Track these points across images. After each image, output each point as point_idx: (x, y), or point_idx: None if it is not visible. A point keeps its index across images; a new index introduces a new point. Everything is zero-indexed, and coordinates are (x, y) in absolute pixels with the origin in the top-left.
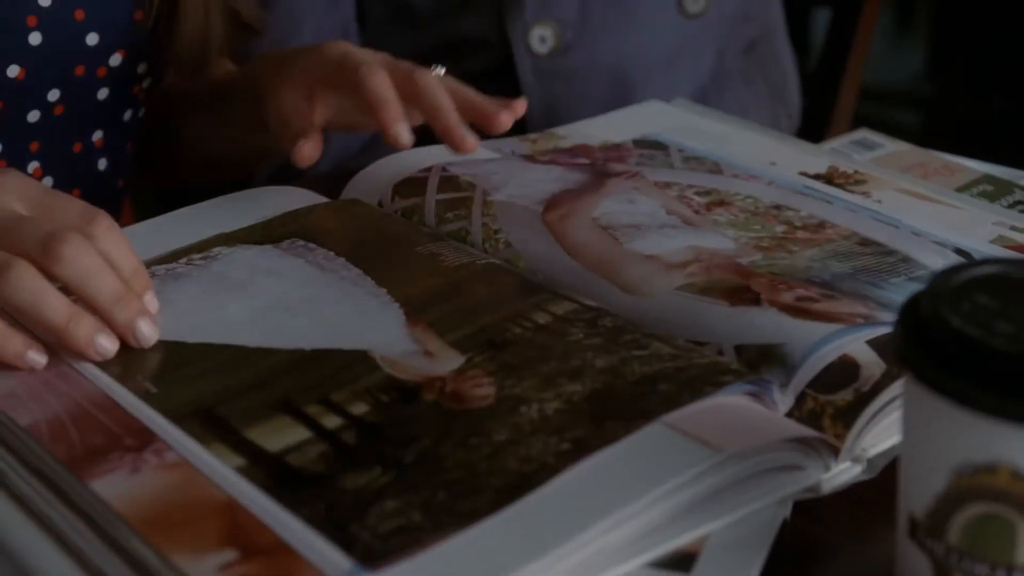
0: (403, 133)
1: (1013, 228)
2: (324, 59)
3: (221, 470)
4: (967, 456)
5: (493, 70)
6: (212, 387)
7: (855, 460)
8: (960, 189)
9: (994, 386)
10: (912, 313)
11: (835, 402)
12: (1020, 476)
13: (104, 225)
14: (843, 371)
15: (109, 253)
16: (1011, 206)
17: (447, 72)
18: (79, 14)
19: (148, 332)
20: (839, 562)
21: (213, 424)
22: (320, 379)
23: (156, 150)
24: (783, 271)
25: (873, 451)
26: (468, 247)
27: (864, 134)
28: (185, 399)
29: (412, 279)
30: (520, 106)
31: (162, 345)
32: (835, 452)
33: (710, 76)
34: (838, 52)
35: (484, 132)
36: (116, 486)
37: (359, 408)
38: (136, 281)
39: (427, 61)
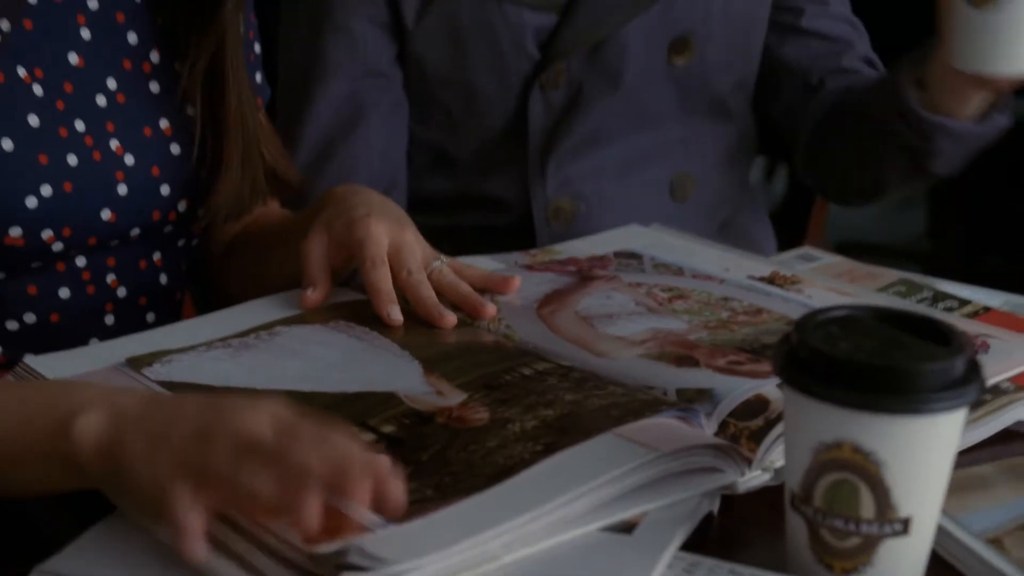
0: (394, 314)
1: None
2: (351, 234)
3: None
4: (822, 437)
5: (513, 226)
6: None
7: (764, 470)
8: (880, 289)
9: (835, 384)
10: (787, 341)
11: (750, 426)
12: (858, 450)
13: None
14: (756, 405)
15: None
16: (919, 301)
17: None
18: (155, 171)
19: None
20: (753, 547)
21: None
22: (359, 410)
23: (214, 279)
24: (722, 344)
25: (778, 463)
26: (475, 324)
27: (806, 250)
28: None
29: (429, 344)
30: (511, 286)
31: (240, 392)
32: (748, 462)
33: None
34: (801, 209)
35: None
36: None
37: (388, 428)
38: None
39: (459, 208)
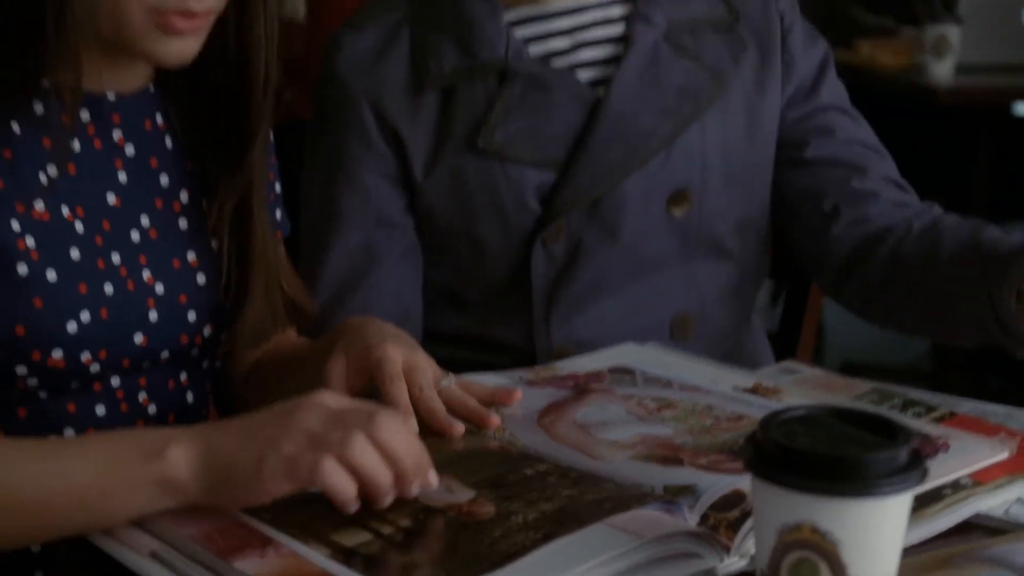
0: (410, 423)
1: None
2: (369, 357)
3: (317, 556)
4: (785, 520)
5: (519, 366)
6: (309, 515)
7: (741, 556)
8: (855, 398)
9: (795, 473)
10: (754, 437)
11: (728, 517)
12: (816, 530)
13: (380, 424)
14: (734, 498)
15: (388, 443)
16: (891, 408)
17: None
18: (183, 299)
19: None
20: None
21: (311, 532)
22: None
23: (237, 400)
24: (705, 446)
25: (753, 550)
26: (482, 433)
27: (788, 363)
28: (296, 521)
29: (441, 450)
30: (513, 399)
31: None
32: (727, 549)
33: None
34: (793, 327)
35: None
36: (251, 565)
37: (405, 522)
38: (412, 462)
39: (467, 345)
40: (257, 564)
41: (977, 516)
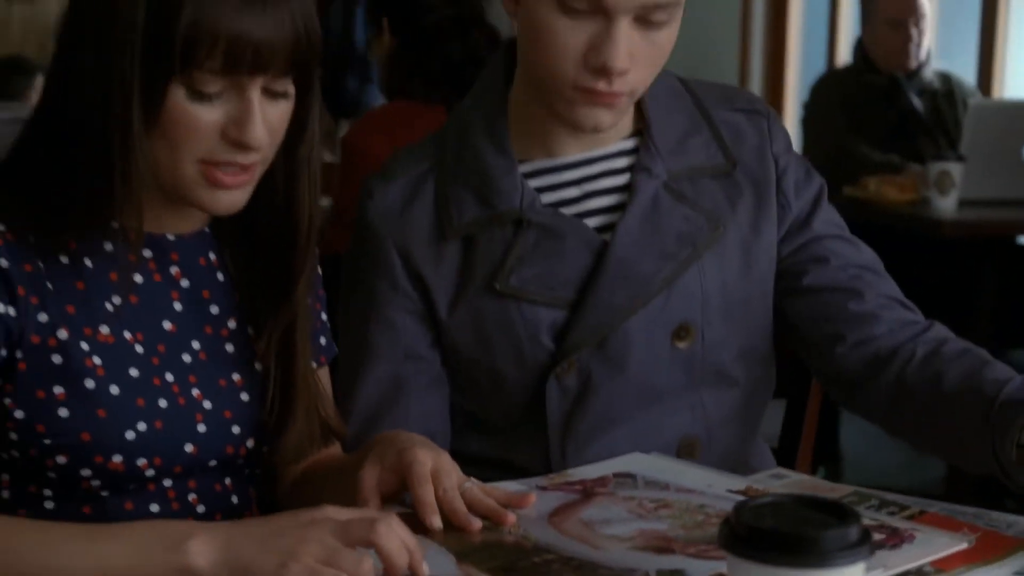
0: (435, 522)
1: None
2: (400, 461)
3: None
4: None
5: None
6: None
7: None
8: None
9: (762, 548)
10: (728, 521)
11: None
12: None
13: (381, 532)
14: None
15: (386, 547)
16: (868, 507)
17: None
18: (228, 414)
19: None
20: None
21: None
22: None
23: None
24: (696, 539)
25: None
26: (499, 529)
27: (778, 470)
28: None
29: (461, 542)
30: (528, 502)
31: None
32: None
33: None
34: (791, 440)
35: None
36: None
37: None
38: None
39: (489, 467)
40: None
41: None
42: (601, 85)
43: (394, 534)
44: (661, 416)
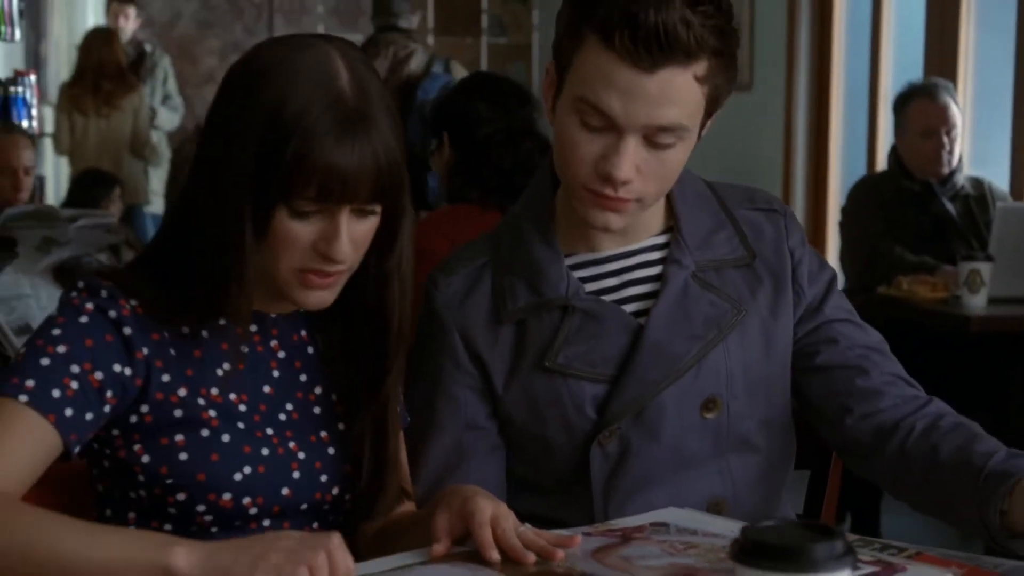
0: (493, 556)
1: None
2: (464, 509)
3: None
4: None
5: None
6: None
7: None
8: None
9: (764, 558)
10: (738, 539)
11: None
12: None
13: (333, 543)
14: None
15: (334, 554)
16: (871, 549)
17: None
18: (318, 464)
19: None
20: None
21: None
22: None
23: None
24: (718, 569)
25: None
26: (549, 564)
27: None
28: None
29: (517, 569)
30: (575, 543)
31: None
32: None
33: None
34: (815, 509)
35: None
36: None
37: None
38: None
39: (540, 524)
40: None
41: None
42: (608, 191)
43: (341, 548)
44: (692, 479)
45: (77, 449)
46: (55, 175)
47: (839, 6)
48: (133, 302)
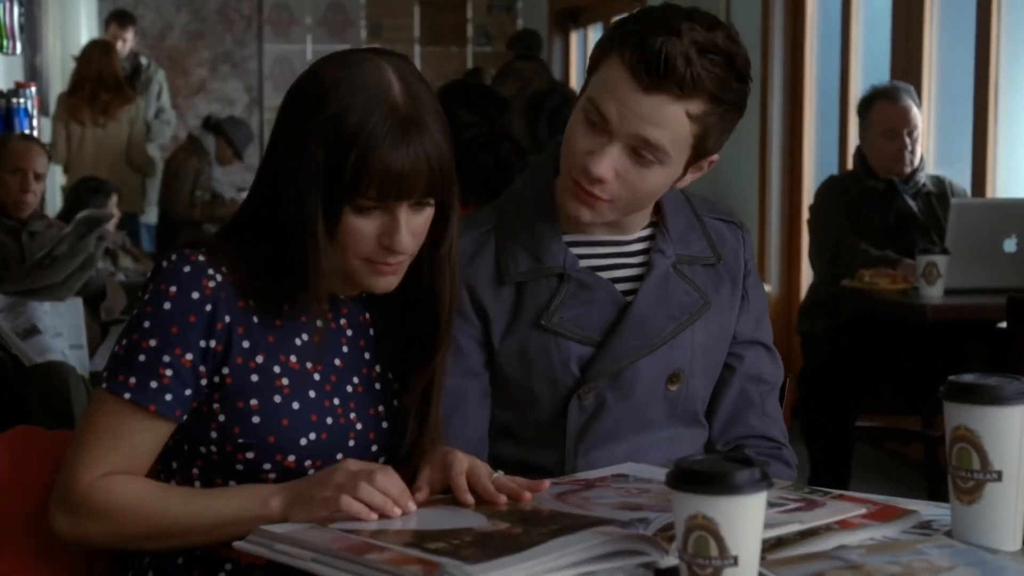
0: (468, 500)
1: None
2: (444, 461)
3: (415, 551)
4: (688, 512)
5: None
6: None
7: (672, 555)
8: (780, 488)
9: (693, 483)
10: (671, 471)
11: (667, 535)
12: (706, 517)
13: (377, 474)
14: (671, 527)
15: (381, 483)
16: (800, 492)
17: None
18: (371, 435)
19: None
20: None
21: (404, 542)
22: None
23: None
24: (662, 505)
25: None
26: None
27: None
28: (390, 535)
29: (489, 509)
30: (543, 487)
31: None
32: (665, 551)
33: None
34: None
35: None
36: (376, 558)
37: (467, 538)
38: (395, 493)
39: (516, 467)
40: (379, 557)
41: (837, 548)
42: (585, 183)
43: (389, 478)
44: (649, 441)
45: (184, 418)
46: (51, 185)
47: (811, 13)
48: (224, 270)
